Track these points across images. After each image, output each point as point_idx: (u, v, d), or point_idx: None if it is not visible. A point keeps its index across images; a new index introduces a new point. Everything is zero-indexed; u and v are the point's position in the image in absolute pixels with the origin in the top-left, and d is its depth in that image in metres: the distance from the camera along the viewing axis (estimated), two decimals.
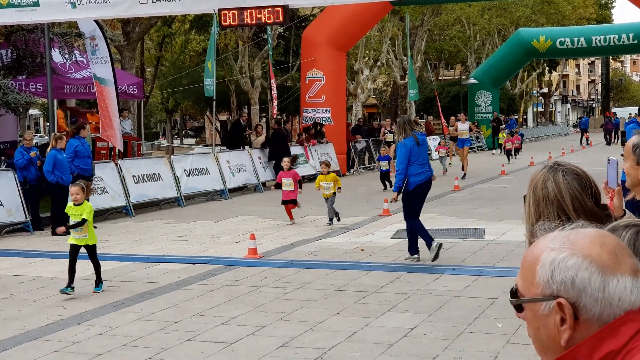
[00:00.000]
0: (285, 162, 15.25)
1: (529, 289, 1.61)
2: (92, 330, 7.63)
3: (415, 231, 10.84)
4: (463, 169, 25.16)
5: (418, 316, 7.78)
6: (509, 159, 31.42)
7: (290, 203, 15.00)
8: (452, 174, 24.01)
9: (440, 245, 10.63)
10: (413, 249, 10.87)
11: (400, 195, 10.92)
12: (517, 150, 34.87)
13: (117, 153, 20.08)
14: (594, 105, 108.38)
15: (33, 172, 14.94)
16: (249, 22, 12.49)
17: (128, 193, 17.35)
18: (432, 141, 36.16)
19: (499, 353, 6.51)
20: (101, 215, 16.54)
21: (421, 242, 10.83)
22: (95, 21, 17.38)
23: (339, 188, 14.90)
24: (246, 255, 11.45)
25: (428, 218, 15.20)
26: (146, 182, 18.15)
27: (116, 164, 17.73)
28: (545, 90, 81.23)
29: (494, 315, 7.66)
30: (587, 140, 48.57)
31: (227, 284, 9.61)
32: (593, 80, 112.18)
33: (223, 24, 12.66)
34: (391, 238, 12.94)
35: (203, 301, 8.75)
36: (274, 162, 23.15)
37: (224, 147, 25.75)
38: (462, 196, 19.22)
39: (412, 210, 10.89)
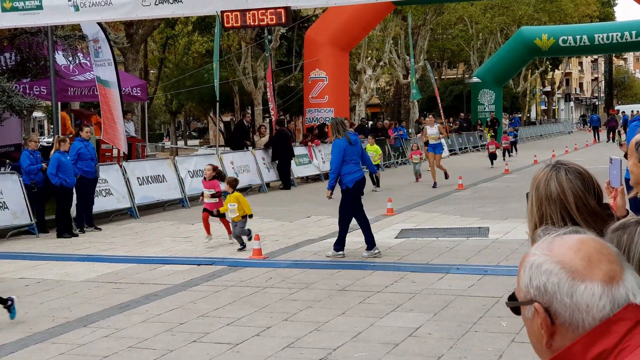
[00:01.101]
0: (208, 170, 13.19)
1: (518, 292, 1.66)
2: (98, 332, 7.65)
3: (344, 228, 11.39)
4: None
5: (423, 315, 7.80)
6: (492, 163, 28.31)
7: (209, 212, 12.87)
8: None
9: (342, 256, 11.23)
10: (339, 244, 11.34)
11: (331, 192, 11.61)
12: (507, 151, 31.77)
13: (122, 155, 20.13)
14: (597, 103, 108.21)
15: (40, 175, 14.99)
16: (252, 23, 12.51)
17: (133, 195, 17.38)
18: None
19: (504, 352, 6.52)
20: (106, 217, 16.58)
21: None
22: (99, 24, 17.41)
23: (250, 216, 12.24)
24: (251, 256, 11.47)
25: (432, 217, 15.24)
26: (150, 183, 18.18)
27: (120, 166, 17.76)
28: (548, 88, 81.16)
29: (498, 314, 7.67)
30: (599, 136, 50.49)
31: (232, 285, 9.64)
32: (596, 78, 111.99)
33: (226, 25, 12.69)
34: (395, 237, 12.95)
35: (208, 302, 8.77)
36: (277, 162, 23.20)
37: (228, 148, 25.79)
38: (466, 195, 19.22)
39: (350, 208, 11.39)
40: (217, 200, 12.90)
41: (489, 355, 6.47)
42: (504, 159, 30.33)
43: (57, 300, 9.19)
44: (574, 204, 2.62)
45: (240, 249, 12.06)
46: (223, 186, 12.74)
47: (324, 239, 13.09)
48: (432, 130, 22.24)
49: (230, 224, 12.54)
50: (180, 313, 8.31)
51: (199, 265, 11.09)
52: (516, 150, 35.38)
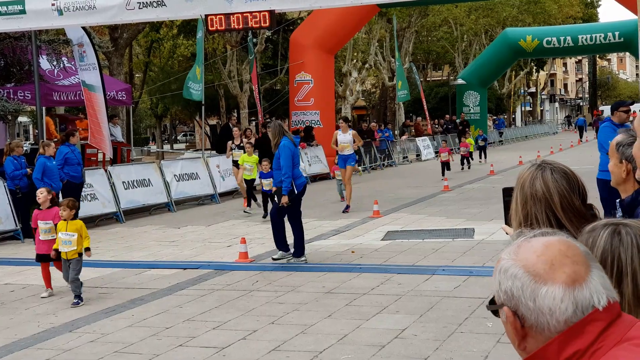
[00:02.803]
0: (42, 194, 9.80)
1: (495, 296, 1.68)
2: (84, 337, 7.63)
3: (300, 231, 11.18)
4: (343, 198, 18.11)
5: (409, 317, 7.82)
6: (443, 173, 24.61)
7: (48, 261, 9.58)
8: (440, 177, 24.04)
9: (287, 261, 11.12)
10: (300, 248, 11.18)
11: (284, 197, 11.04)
12: (466, 159, 28.39)
13: (107, 159, 20.07)
14: (581, 104, 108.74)
15: (25, 180, 14.93)
16: (236, 27, 12.51)
17: (118, 199, 17.34)
18: (421, 142, 36.38)
19: (490, 353, 6.55)
20: (91, 222, 16.52)
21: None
22: (83, 28, 17.37)
23: (87, 249, 9.18)
24: (237, 260, 11.47)
25: (418, 219, 15.28)
26: (136, 187, 18.14)
27: (106, 170, 17.71)
28: (533, 89, 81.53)
29: (484, 315, 7.70)
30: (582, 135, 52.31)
31: (219, 289, 9.63)
32: (580, 79, 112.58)
33: (210, 29, 12.68)
34: (381, 239, 12.97)
35: (194, 306, 8.77)
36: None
37: (214, 152, 25.74)
38: (452, 197, 19.28)
39: (299, 213, 11.27)
40: (53, 236, 9.52)
41: (475, 356, 6.50)
42: (462, 168, 27.61)
43: (42, 306, 9.16)
44: (559, 203, 2.64)
45: (75, 304, 8.99)
46: (63, 213, 9.18)
47: (310, 241, 13.09)
48: (345, 137, 17.71)
49: (62, 265, 9.34)
50: (166, 317, 8.30)
51: (185, 269, 11.08)
52: (485, 156, 31.85)
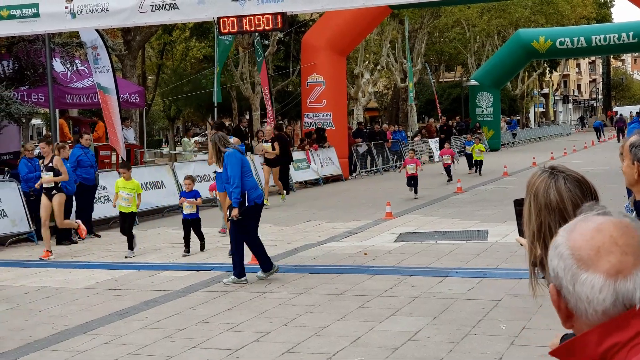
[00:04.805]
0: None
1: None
2: (98, 339, 7.66)
3: (257, 247, 10.11)
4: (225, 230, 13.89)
5: (422, 319, 7.80)
6: (411, 187, 19.72)
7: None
8: (454, 176, 23.99)
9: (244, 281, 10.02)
10: (268, 263, 10.17)
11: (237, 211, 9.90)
12: (447, 170, 23.90)
13: (120, 161, 20.13)
14: (595, 105, 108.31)
15: None
16: (248, 29, 12.54)
17: None
18: (433, 143, 36.31)
19: (503, 355, 6.52)
20: (105, 223, 16.59)
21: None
22: (96, 30, 17.45)
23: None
24: (250, 262, 11.46)
25: (431, 220, 15.24)
26: (149, 189, 18.19)
27: (119, 173, 17.75)
28: (546, 90, 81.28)
29: (498, 317, 7.68)
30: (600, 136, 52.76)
31: (231, 290, 9.64)
32: (594, 80, 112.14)
33: (222, 31, 12.71)
34: (394, 241, 12.95)
35: (207, 308, 8.78)
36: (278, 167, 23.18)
37: None
38: (465, 198, 19.24)
39: (254, 227, 10.21)
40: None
41: (488, 358, 6.48)
42: (449, 179, 23.42)
43: (56, 308, 9.19)
44: (572, 212, 2.62)
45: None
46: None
47: (323, 243, 13.09)
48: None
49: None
50: (179, 319, 8.31)
51: (198, 271, 11.10)
52: (479, 169, 26.67)
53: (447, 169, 23.75)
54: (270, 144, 19.23)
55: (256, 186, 10.29)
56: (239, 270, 10.04)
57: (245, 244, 10.16)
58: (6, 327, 8.31)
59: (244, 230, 10.09)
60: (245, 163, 10.14)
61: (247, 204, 9.96)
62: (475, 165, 26.36)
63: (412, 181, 19.61)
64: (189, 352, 7.07)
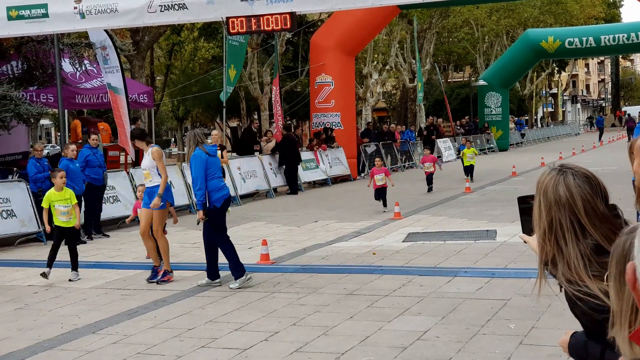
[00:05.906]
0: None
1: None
2: (107, 338, 7.67)
3: (229, 251, 9.95)
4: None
5: (431, 319, 7.79)
6: (378, 200, 17.51)
7: None
8: (459, 176, 23.94)
9: (249, 279, 9.91)
10: (240, 270, 9.91)
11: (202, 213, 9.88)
12: (428, 179, 21.20)
13: (130, 162, 20.19)
14: (604, 105, 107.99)
15: (48, 183, 15.03)
16: (257, 29, 12.53)
17: None
18: (442, 143, 36.25)
19: (512, 354, 6.51)
20: (114, 224, 16.62)
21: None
22: (105, 31, 17.49)
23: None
24: (258, 262, 11.48)
25: (440, 221, 15.22)
26: None
27: (128, 173, 17.80)
28: (554, 90, 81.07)
29: (506, 317, 7.67)
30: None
31: (240, 290, 9.64)
32: (603, 80, 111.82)
33: (231, 31, 12.71)
34: (403, 241, 12.94)
35: (216, 307, 8.79)
36: (284, 167, 23.23)
37: (235, 154, 25.80)
38: (473, 198, 19.20)
39: (223, 230, 10.14)
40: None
41: (497, 358, 6.46)
42: (430, 189, 21.02)
43: (65, 307, 9.21)
44: (582, 208, 2.61)
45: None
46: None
47: (331, 243, 13.09)
48: (145, 160, 17.22)
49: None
50: (188, 319, 8.32)
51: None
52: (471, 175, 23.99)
53: (429, 177, 21.12)
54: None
55: (220, 188, 10.09)
56: (236, 270, 9.96)
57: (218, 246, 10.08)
58: (15, 327, 8.33)
59: (219, 229, 10.06)
60: (210, 164, 10.05)
61: (208, 205, 9.97)
62: (466, 171, 23.97)
63: (381, 193, 17.31)
64: (197, 351, 7.07)
